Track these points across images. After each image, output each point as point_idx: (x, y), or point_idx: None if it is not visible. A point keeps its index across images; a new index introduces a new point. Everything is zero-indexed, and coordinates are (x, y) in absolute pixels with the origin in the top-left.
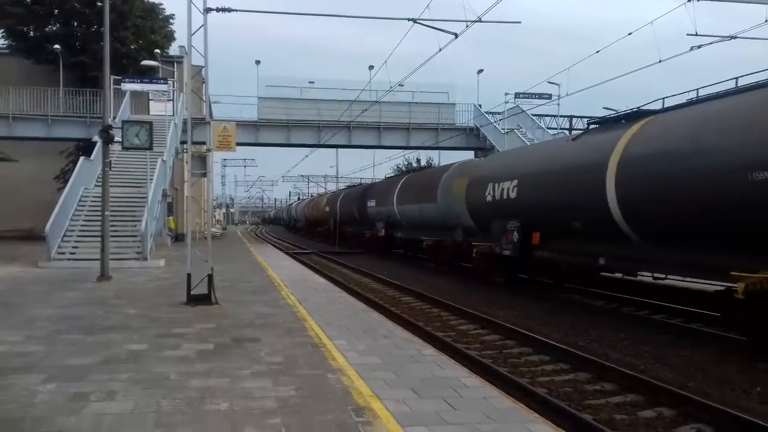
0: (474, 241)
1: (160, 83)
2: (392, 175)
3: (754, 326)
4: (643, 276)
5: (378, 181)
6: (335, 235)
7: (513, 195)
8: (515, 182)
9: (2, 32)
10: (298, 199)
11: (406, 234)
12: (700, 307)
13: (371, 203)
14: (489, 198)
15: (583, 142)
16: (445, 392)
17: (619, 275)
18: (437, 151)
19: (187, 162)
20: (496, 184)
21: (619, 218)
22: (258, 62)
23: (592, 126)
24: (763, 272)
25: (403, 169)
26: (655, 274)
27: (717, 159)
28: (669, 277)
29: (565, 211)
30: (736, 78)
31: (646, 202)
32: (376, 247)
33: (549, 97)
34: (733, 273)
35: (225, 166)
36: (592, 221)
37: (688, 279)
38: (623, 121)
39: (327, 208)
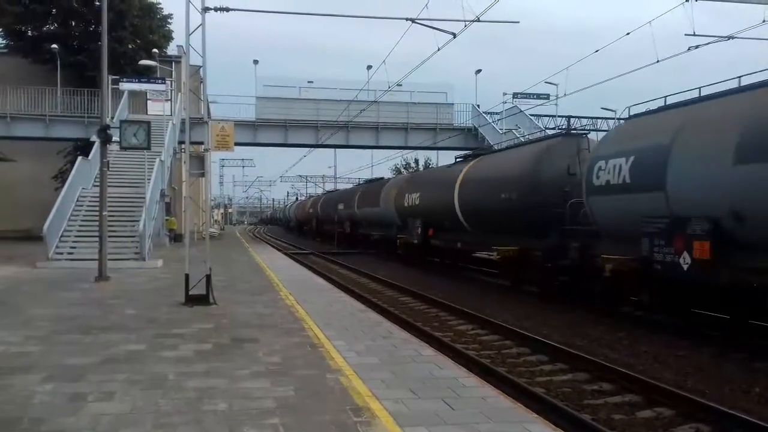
0: (399, 235)
1: (158, 83)
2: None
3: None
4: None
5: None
6: (316, 232)
7: (417, 203)
8: (418, 194)
9: (0, 31)
10: (296, 199)
11: (364, 230)
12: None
13: (341, 206)
14: (407, 204)
15: (449, 169)
16: (443, 392)
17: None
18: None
19: (185, 162)
20: (410, 195)
21: (461, 218)
22: (256, 62)
23: (458, 159)
24: (512, 246)
25: (401, 169)
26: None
27: (491, 184)
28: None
29: (441, 214)
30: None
31: (472, 208)
32: (344, 241)
33: (547, 97)
34: (495, 247)
35: (223, 166)
36: (451, 220)
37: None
38: (470, 158)
39: (311, 210)
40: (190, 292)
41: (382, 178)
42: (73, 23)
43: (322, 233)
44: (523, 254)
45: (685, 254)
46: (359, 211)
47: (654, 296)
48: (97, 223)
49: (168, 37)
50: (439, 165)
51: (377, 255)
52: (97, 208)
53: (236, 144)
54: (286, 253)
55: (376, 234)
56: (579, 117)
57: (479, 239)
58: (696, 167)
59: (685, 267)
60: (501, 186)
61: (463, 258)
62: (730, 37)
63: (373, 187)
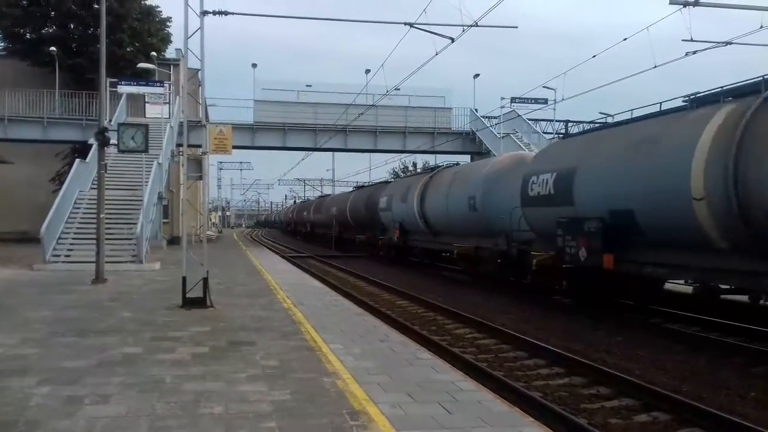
0: (380, 236)
1: (157, 86)
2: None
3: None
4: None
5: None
6: (295, 232)
7: (392, 209)
8: (388, 201)
9: None
10: (294, 202)
11: (349, 234)
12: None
13: (333, 209)
14: (383, 206)
15: (413, 178)
16: (440, 396)
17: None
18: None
19: (182, 165)
20: (386, 203)
21: (422, 223)
22: (254, 65)
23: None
24: (463, 245)
25: (400, 173)
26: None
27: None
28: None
29: (409, 220)
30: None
31: (433, 214)
32: (327, 242)
33: (545, 101)
34: (456, 244)
35: (221, 169)
36: (414, 226)
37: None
38: (430, 172)
39: (293, 214)
40: (187, 295)
41: (368, 184)
42: (72, 26)
43: (301, 233)
44: (478, 251)
45: (583, 248)
46: (352, 214)
47: (572, 285)
48: (94, 226)
49: (167, 40)
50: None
51: (374, 259)
52: (95, 211)
53: (234, 147)
54: (283, 256)
55: (361, 236)
56: (577, 122)
57: (442, 240)
58: (591, 182)
59: (582, 258)
60: (463, 196)
61: (430, 255)
62: (727, 43)
63: (364, 192)
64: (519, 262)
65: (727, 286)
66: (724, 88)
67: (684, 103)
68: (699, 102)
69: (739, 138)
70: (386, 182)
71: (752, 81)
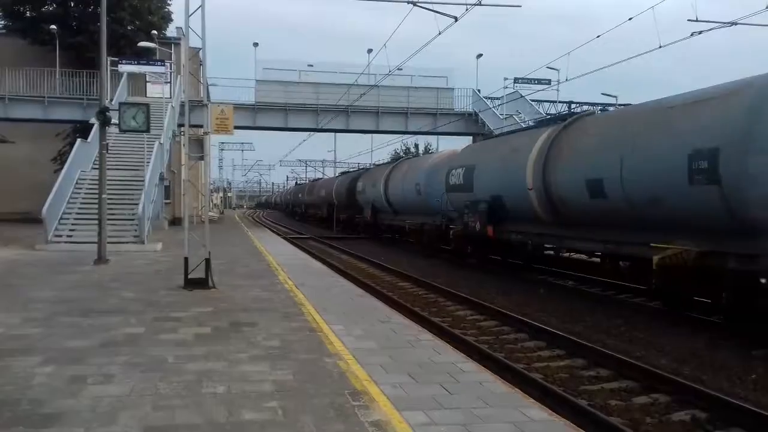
0: (357, 216)
1: (158, 65)
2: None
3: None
4: None
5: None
6: (293, 213)
7: (366, 193)
8: (364, 186)
9: None
10: (296, 184)
11: (336, 214)
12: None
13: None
14: (359, 190)
15: (378, 169)
16: (441, 377)
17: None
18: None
19: (184, 145)
20: (362, 187)
21: (387, 204)
22: (256, 44)
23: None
24: (414, 222)
25: (401, 154)
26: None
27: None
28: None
29: (379, 202)
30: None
31: (394, 197)
32: (320, 221)
33: (548, 82)
34: (408, 221)
35: (222, 149)
36: (382, 206)
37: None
38: (393, 163)
39: (291, 196)
40: (189, 276)
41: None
42: (72, 4)
43: (294, 213)
44: (423, 226)
45: (478, 222)
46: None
47: (474, 249)
48: (96, 206)
49: (167, 18)
50: (439, 150)
51: (375, 240)
52: (97, 191)
53: (236, 127)
54: (285, 238)
55: (344, 215)
56: (580, 103)
57: (399, 218)
58: (482, 175)
59: (477, 229)
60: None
61: (394, 230)
62: (733, 23)
63: (346, 178)
64: (446, 234)
65: (549, 245)
66: (558, 113)
67: (534, 124)
68: (541, 123)
69: (547, 150)
70: (366, 169)
71: (569, 112)
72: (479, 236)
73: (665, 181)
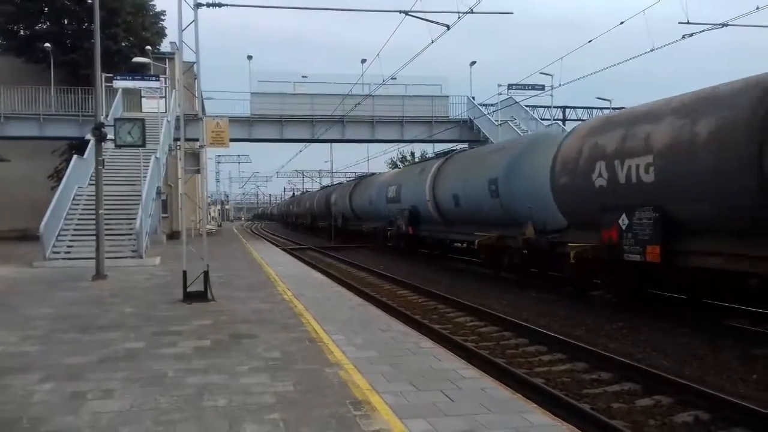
0: (333, 222)
1: (152, 80)
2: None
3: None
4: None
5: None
6: (286, 223)
7: (337, 204)
8: (336, 199)
9: None
10: (293, 195)
11: (317, 222)
12: None
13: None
14: (332, 202)
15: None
16: (443, 384)
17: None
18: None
19: (180, 159)
20: (334, 200)
21: (351, 213)
22: (250, 57)
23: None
24: (370, 226)
25: (398, 163)
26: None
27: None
28: None
29: (345, 212)
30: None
31: (354, 209)
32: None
33: (542, 88)
34: (365, 226)
35: (219, 162)
36: (348, 215)
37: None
38: (356, 180)
39: (286, 207)
40: (188, 289)
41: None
42: (66, 21)
43: (287, 224)
44: (385, 228)
45: (402, 224)
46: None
47: (405, 244)
48: (93, 222)
49: (161, 34)
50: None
51: (374, 249)
52: (94, 207)
53: (231, 140)
54: (283, 249)
55: (324, 223)
56: (574, 107)
57: (357, 224)
58: (407, 190)
59: (401, 230)
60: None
61: (354, 234)
62: (723, 25)
63: (323, 192)
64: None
65: (441, 237)
66: (453, 149)
67: (432, 157)
68: (438, 156)
69: (435, 174)
70: (339, 184)
71: (451, 150)
72: (405, 234)
73: (480, 197)
